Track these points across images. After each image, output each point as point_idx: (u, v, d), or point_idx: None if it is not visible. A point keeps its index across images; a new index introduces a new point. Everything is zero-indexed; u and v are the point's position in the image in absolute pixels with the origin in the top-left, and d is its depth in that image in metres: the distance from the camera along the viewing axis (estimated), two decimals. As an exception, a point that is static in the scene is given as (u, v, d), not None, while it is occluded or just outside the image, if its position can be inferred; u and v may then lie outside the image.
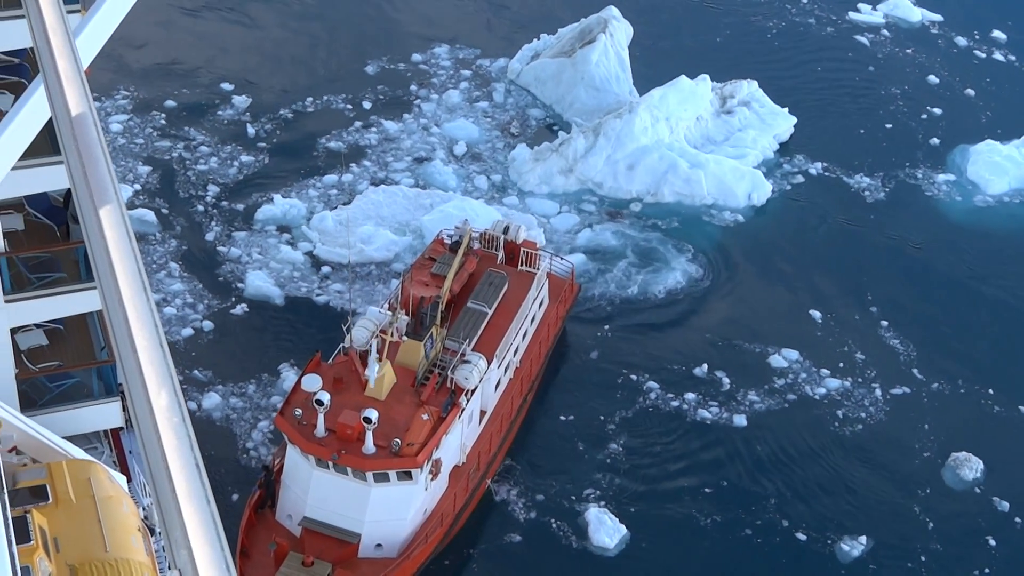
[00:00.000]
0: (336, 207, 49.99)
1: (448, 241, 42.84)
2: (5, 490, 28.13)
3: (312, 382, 34.39)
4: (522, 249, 42.78)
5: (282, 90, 56.70)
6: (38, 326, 30.18)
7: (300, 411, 34.54)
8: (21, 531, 26.17)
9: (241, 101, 55.36)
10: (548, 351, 42.95)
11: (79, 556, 26.70)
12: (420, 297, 38.28)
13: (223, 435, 40.27)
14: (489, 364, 37.67)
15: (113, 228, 5.73)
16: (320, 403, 33.68)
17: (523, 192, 52.13)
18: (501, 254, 42.77)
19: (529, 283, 41.72)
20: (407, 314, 37.27)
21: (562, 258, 45.99)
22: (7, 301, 27.89)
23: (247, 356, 43.40)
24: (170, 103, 54.97)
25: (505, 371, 40.07)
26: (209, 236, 48.00)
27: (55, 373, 29.50)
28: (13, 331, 29.09)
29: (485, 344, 38.63)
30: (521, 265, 42.52)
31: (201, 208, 49.50)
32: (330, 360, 36.87)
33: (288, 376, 42.17)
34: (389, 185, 51.34)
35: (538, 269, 42.53)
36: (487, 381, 38.15)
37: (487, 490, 39.04)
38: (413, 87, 57.74)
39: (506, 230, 43.24)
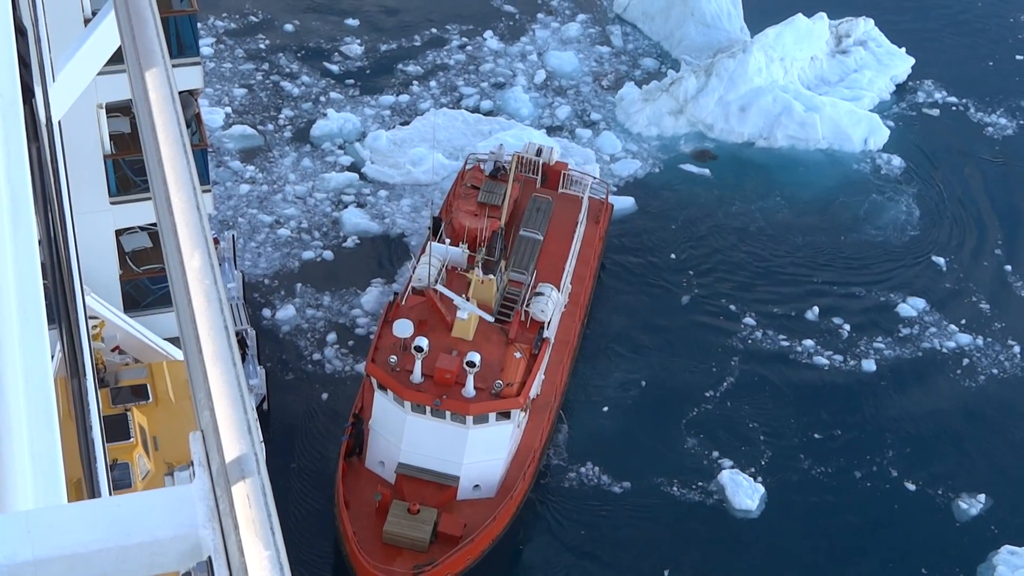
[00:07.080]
0: (393, 127, 49.27)
1: (485, 168, 41.87)
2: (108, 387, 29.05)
3: (404, 328, 33.46)
4: (561, 172, 42.27)
5: (400, 23, 55.71)
6: (142, 228, 30.38)
7: (395, 358, 33.68)
8: (122, 428, 26.81)
9: (357, 34, 54.59)
10: (595, 272, 42.15)
11: (177, 455, 27.51)
12: (492, 230, 37.47)
13: (291, 346, 40.22)
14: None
15: (158, 88, 5.68)
16: (420, 349, 32.89)
17: (627, 132, 50.52)
18: (539, 177, 42.31)
19: (573, 206, 41.31)
20: (470, 248, 36.58)
21: (595, 178, 44.68)
22: (112, 203, 28.35)
23: (341, 275, 43.19)
24: (288, 27, 55.07)
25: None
26: (287, 161, 47.55)
27: (158, 275, 29.81)
28: (118, 233, 29.61)
29: (543, 272, 38.04)
30: (561, 187, 42.14)
31: (272, 127, 49.02)
32: (402, 300, 35.80)
33: (373, 290, 41.96)
34: (452, 109, 50.44)
35: (582, 192, 42.02)
36: (556, 311, 37.51)
37: (559, 420, 38.20)
38: (540, 14, 56.57)
39: (539, 152, 42.62)
